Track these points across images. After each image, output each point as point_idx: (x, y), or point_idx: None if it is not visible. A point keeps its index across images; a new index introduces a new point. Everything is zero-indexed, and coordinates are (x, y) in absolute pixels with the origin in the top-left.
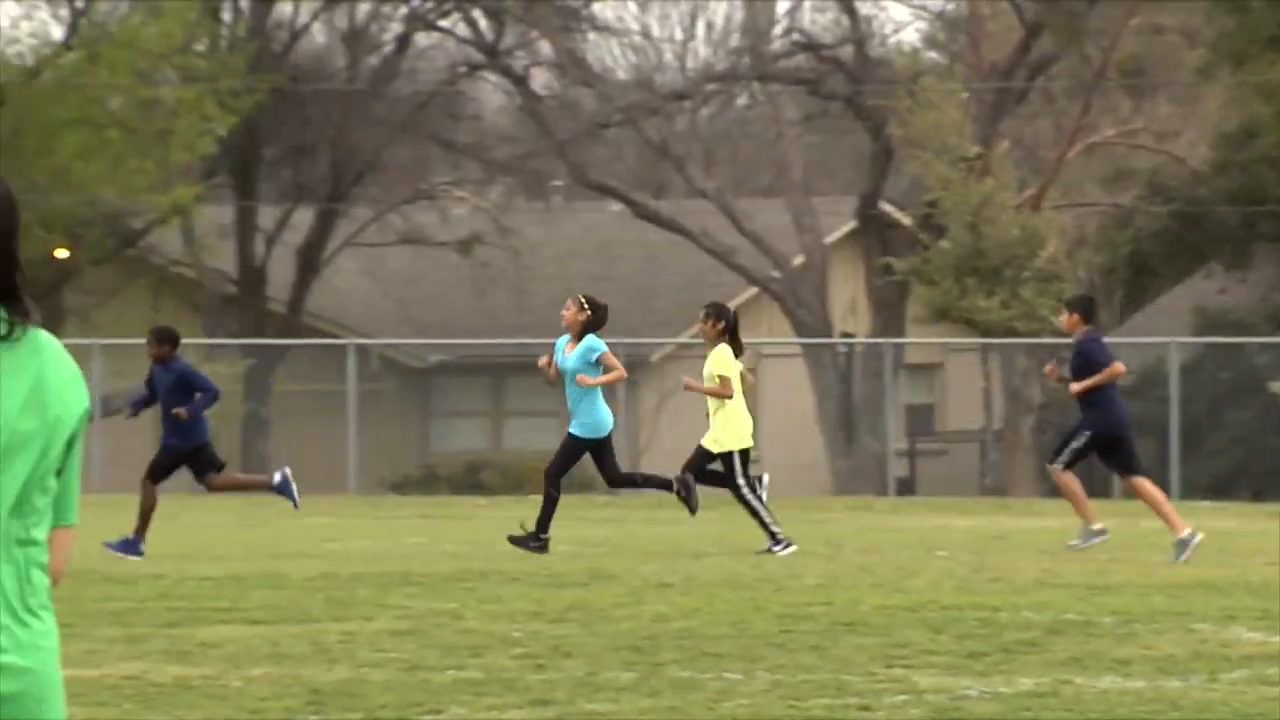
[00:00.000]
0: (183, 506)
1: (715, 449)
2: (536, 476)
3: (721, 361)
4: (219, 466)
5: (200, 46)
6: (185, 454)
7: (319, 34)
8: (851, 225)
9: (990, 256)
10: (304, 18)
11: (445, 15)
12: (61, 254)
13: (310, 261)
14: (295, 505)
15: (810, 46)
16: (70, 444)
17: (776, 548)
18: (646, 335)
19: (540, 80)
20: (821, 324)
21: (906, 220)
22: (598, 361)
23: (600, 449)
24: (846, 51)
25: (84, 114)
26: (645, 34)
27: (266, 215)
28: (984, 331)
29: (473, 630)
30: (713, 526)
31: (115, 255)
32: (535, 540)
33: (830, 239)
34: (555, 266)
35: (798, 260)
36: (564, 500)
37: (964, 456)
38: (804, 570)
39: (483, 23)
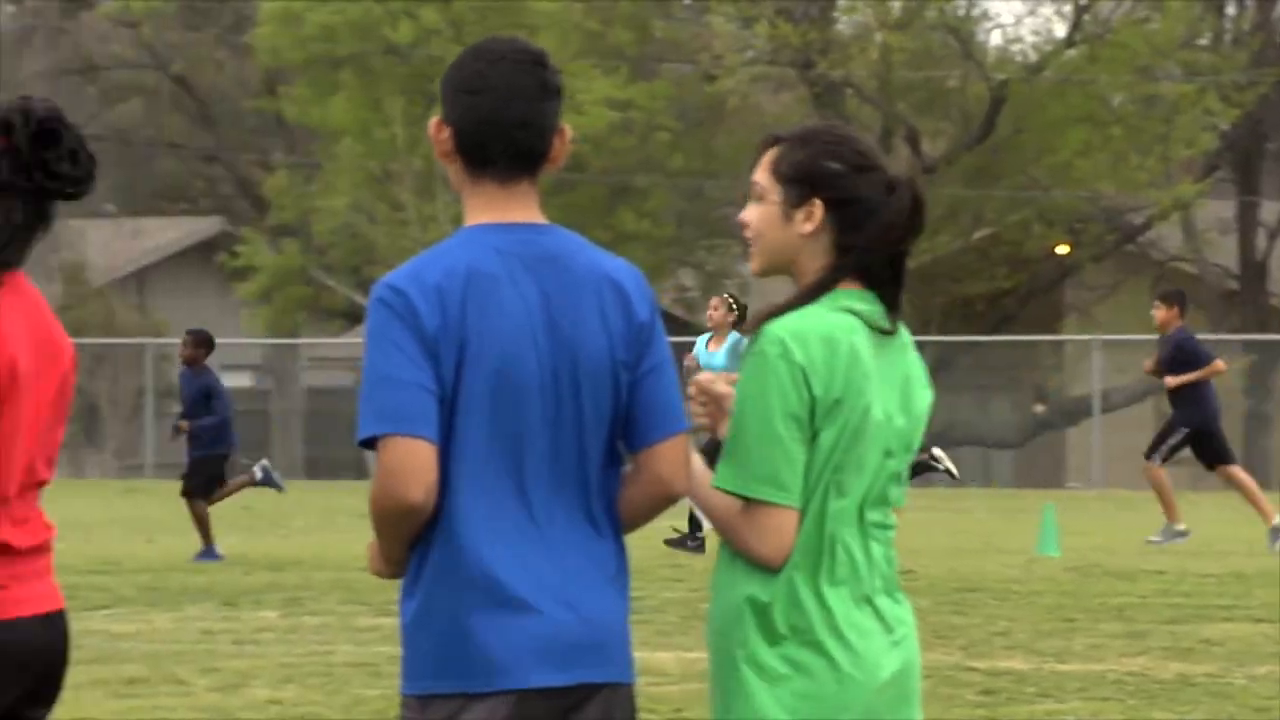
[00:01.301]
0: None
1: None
2: None
3: None
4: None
5: (1203, 41)
6: (217, 459)
7: None
8: None
9: None
10: None
11: None
12: (1062, 250)
13: None
14: (280, 489)
15: None
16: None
17: None
18: None
19: None
20: None
21: None
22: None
23: None
24: None
25: (1086, 111)
26: None
27: (1269, 209)
28: None
29: None
30: None
31: (1114, 251)
32: (692, 540)
33: None
34: None
35: None
36: None
37: None
38: None
39: None
